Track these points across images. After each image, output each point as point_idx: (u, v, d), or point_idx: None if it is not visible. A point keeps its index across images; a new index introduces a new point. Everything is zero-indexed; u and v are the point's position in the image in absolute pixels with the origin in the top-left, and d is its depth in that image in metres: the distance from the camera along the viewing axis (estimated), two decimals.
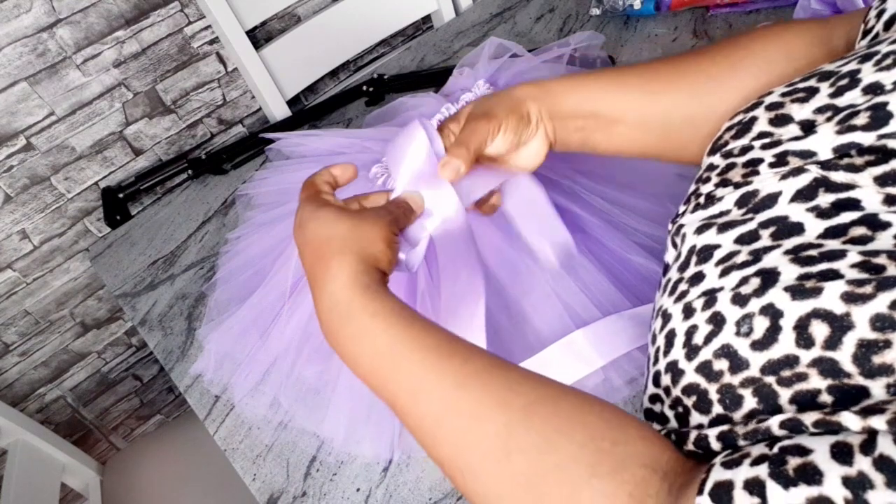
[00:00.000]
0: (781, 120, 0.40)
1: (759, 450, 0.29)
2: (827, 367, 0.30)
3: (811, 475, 0.26)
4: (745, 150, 0.41)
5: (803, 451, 0.27)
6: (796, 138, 0.38)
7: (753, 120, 0.41)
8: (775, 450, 0.28)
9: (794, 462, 0.27)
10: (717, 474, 0.29)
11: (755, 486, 0.27)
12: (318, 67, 1.22)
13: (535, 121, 0.55)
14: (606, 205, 0.73)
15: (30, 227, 1.09)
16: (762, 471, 0.28)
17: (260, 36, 1.18)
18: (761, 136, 0.40)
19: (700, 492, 0.29)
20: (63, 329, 1.21)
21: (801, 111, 0.39)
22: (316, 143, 0.89)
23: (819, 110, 0.38)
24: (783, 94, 0.41)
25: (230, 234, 0.90)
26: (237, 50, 1.08)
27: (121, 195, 1.08)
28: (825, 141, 0.36)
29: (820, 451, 0.27)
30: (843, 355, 0.29)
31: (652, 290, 0.68)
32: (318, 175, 0.53)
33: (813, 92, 0.39)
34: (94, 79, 1.04)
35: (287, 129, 1.06)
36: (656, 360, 0.38)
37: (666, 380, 0.37)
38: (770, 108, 0.41)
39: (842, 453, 0.26)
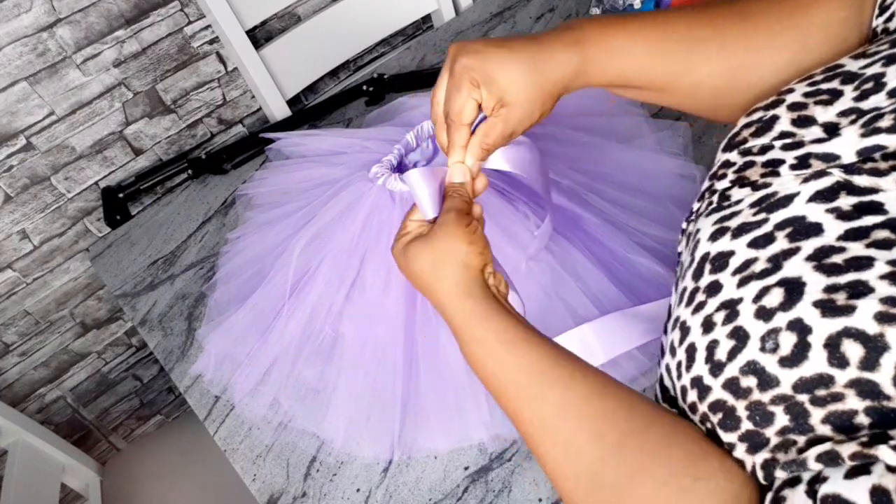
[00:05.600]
0: (805, 121, 0.39)
1: (803, 502, 0.29)
2: (866, 389, 0.29)
3: None
4: (766, 149, 0.40)
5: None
6: (819, 140, 0.37)
7: (775, 119, 0.41)
8: (819, 503, 0.28)
9: None
10: None
11: None
12: (318, 67, 1.22)
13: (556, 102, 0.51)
14: (606, 205, 0.73)
15: (30, 227, 1.08)
16: None
17: (260, 36, 1.18)
18: (783, 135, 0.39)
19: None
20: (63, 329, 1.21)
21: (824, 114, 0.38)
22: (316, 142, 0.89)
23: (843, 113, 0.38)
24: (806, 95, 0.40)
25: (230, 234, 0.90)
26: (237, 50, 1.07)
27: (121, 195, 1.08)
28: (849, 144, 0.36)
29: (862, 503, 0.27)
30: (883, 377, 0.29)
31: (652, 290, 0.68)
32: (405, 217, 0.55)
33: (837, 94, 0.39)
34: (94, 78, 1.04)
35: (287, 128, 1.06)
36: (679, 375, 0.37)
37: (692, 396, 0.37)
38: (792, 108, 0.40)
39: (882, 502, 0.26)
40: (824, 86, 0.40)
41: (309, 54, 1.18)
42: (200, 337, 0.80)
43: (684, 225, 0.43)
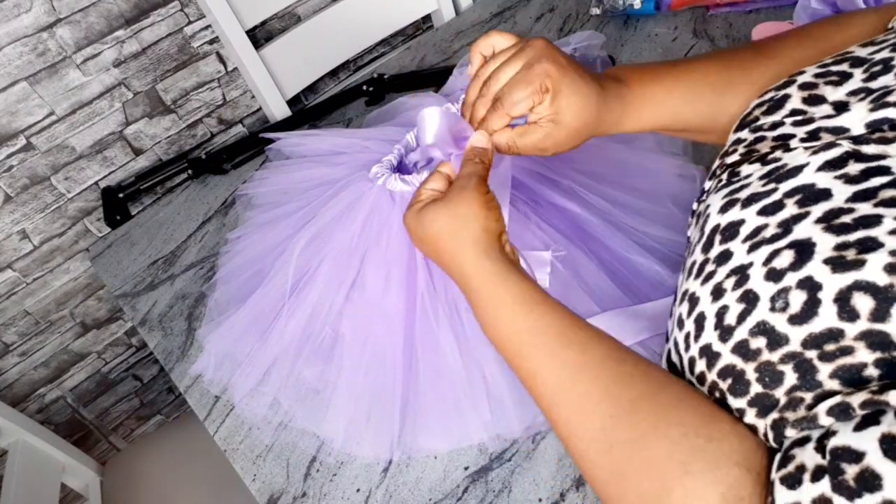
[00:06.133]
0: (815, 100, 0.40)
1: (812, 459, 0.29)
2: (876, 341, 0.30)
3: (871, 482, 0.27)
4: (776, 125, 0.41)
5: (856, 455, 0.27)
6: (829, 116, 0.38)
7: (786, 98, 0.41)
8: (828, 457, 0.28)
9: (851, 471, 0.27)
10: (783, 496, 0.30)
11: None
12: (318, 67, 1.22)
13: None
14: (606, 205, 0.73)
15: (30, 227, 1.08)
16: (825, 487, 0.28)
17: (260, 36, 1.18)
18: (794, 113, 0.40)
19: None
20: (63, 329, 1.21)
21: (834, 93, 0.39)
22: (316, 142, 0.89)
23: (852, 93, 0.39)
24: (816, 76, 0.41)
25: (230, 234, 0.90)
26: (237, 50, 1.07)
27: (121, 195, 1.08)
28: (858, 118, 0.37)
29: (871, 451, 0.27)
30: (893, 327, 0.29)
31: (652, 290, 0.68)
32: (419, 187, 0.55)
33: (846, 76, 0.40)
34: (94, 78, 1.04)
35: (287, 128, 1.05)
36: (687, 347, 0.38)
37: (701, 365, 0.37)
38: (803, 87, 0.41)
39: (892, 449, 0.26)
40: (834, 67, 0.41)
41: (309, 54, 1.18)
42: (200, 337, 0.80)
43: (695, 206, 0.44)
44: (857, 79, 0.39)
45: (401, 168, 0.81)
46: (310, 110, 1.11)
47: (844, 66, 0.40)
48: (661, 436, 0.36)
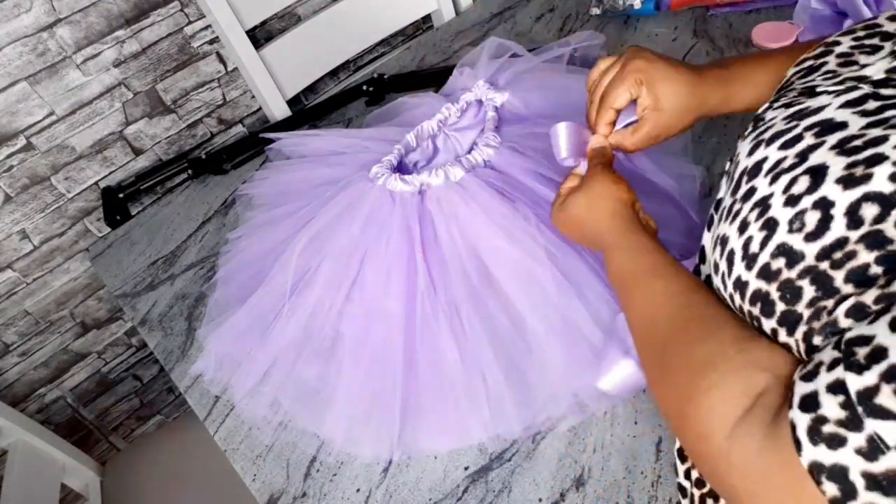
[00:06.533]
0: (847, 63, 0.43)
1: (829, 355, 0.32)
2: (871, 241, 0.33)
3: (879, 354, 0.29)
4: (807, 82, 0.44)
5: (867, 339, 0.30)
6: (855, 70, 0.42)
7: (823, 65, 0.45)
8: (843, 346, 0.31)
9: (862, 351, 0.30)
10: (801, 388, 0.32)
11: (836, 386, 0.30)
12: (318, 67, 1.22)
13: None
14: None
15: (30, 227, 1.08)
16: (839, 372, 0.30)
17: (260, 36, 1.18)
18: (826, 73, 0.44)
19: (790, 406, 0.32)
20: (63, 329, 1.21)
21: (866, 59, 0.43)
22: (316, 142, 0.89)
23: (881, 59, 0.42)
24: (852, 47, 0.45)
25: (230, 234, 0.90)
26: (237, 50, 1.07)
27: (121, 195, 1.08)
28: (880, 67, 0.41)
29: (881, 332, 0.30)
30: (888, 225, 0.32)
31: None
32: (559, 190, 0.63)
33: (877, 49, 0.44)
34: (94, 78, 1.04)
35: (287, 129, 1.05)
36: (724, 287, 0.41)
37: (738, 299, 0.40)
38: (840, 56, 0.45)
39: None
40: (867, 41, 0.45)
41: (309, 54, 1.18)
42: (200, 337, 0.80)
43: (728, 166, 0.47)
44: (887, 49, 0.42)
45: (401, 168, 0.81)
46: (310, 110, 1.11)
47: (875, 40, 0.44)
48: (700, 346, 0.40)
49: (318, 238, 0.74)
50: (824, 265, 0.34)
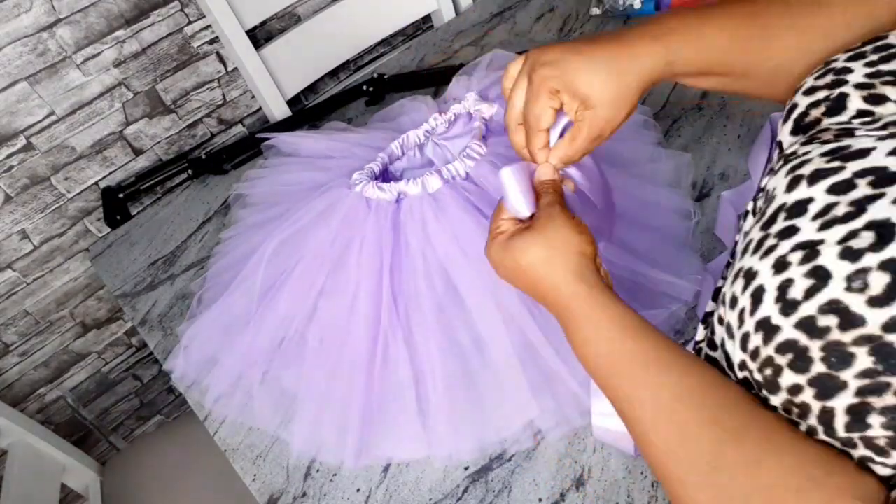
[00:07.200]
0: (878, 99, 0.40)
1: None
2: None
3: None
4: (842, 125, 0.40)
5: None
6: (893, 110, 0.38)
7: (844, 97, 0.41)
8: None
9: None
10: None
11: None
12: (318, 67, 1.22)
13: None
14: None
15: (30, 227, 1.08)
16: None
17: (260, 36, 1.18)
18: (861, 114, 0.40)
19: None
20: (63, 329, 1.21)
21: (893, 92, 0.39)
22: (308, 143, 0.89)
23: None
24: (869, 76, 0.41)
25: (224, 233, 0.90)
26: (237, 50, 1.07)
27: (121, 195, 1.08)
28: None
29: None
30: None
31: (648, 300, 0.67)
32: (493, 217, 0.54)
33: None
34: (94, 78, 1.04)
35: (287, 129, 1.05)
36: (741, 323, 0.37)
37: (756, 340, 0.36)
38: (860, 87, 0.41)
39: None
40: (883, 67, 0.40)
41: (309, 54, 1.18)
42: (179, 334, 0.80)
43: (749, 206, 0.43)
44: None
45: (387, 175, 0.80)
46: (310, 110, 1.11)
47: (892, 65, 0.40)
48: (775, 462, 0.35)
49: (291, 241, 0.74)
50: (892, 338, 0.31)
